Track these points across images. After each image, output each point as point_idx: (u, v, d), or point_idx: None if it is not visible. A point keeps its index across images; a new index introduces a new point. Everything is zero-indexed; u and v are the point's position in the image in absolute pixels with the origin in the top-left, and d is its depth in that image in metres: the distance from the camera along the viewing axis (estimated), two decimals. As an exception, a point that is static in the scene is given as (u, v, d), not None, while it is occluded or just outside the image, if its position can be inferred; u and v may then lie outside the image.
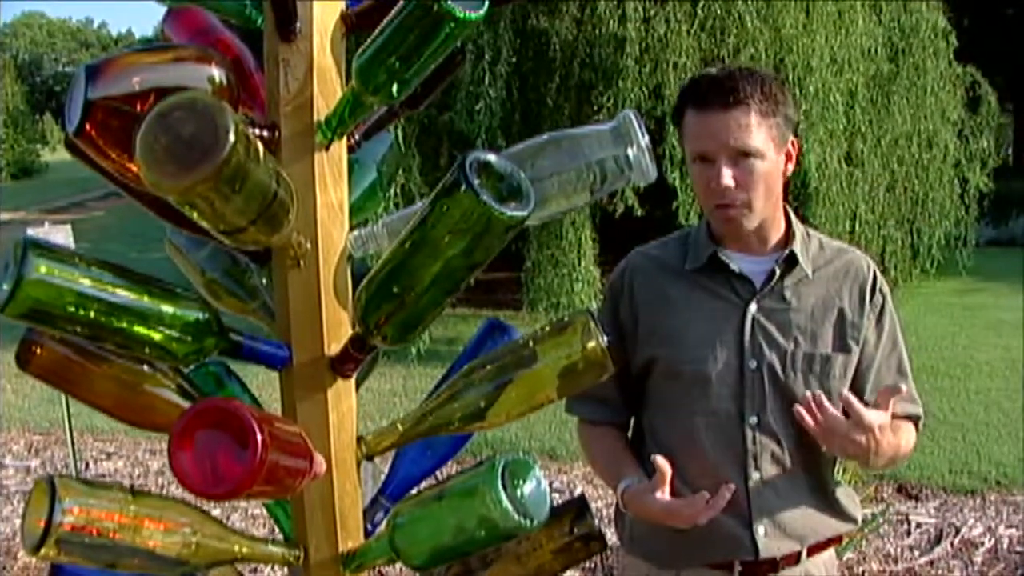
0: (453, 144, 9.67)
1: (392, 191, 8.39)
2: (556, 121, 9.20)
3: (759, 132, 1.84)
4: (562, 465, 6.12)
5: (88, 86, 1.01)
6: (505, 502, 1.01)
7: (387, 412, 7.32)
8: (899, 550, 4.84)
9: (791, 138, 1.93)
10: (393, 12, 0.97)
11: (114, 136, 0.99)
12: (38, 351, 1.16)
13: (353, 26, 1.15)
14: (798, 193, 9.19)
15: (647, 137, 1.15)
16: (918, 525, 5.13)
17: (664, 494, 1.77)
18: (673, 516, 1.78)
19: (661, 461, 1.78)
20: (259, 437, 0.85)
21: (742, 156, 1.83)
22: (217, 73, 1.07)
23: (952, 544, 4.90)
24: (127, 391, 1.22)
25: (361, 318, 1.08)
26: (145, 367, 1.20)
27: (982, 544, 4.90)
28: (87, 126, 1.02)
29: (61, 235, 5.45)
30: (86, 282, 1.00)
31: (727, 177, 1.83)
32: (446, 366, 1.41)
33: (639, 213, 9.00)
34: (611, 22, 8.82)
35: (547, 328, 1.20)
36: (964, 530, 5.04)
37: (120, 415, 1.25)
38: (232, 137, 0.78)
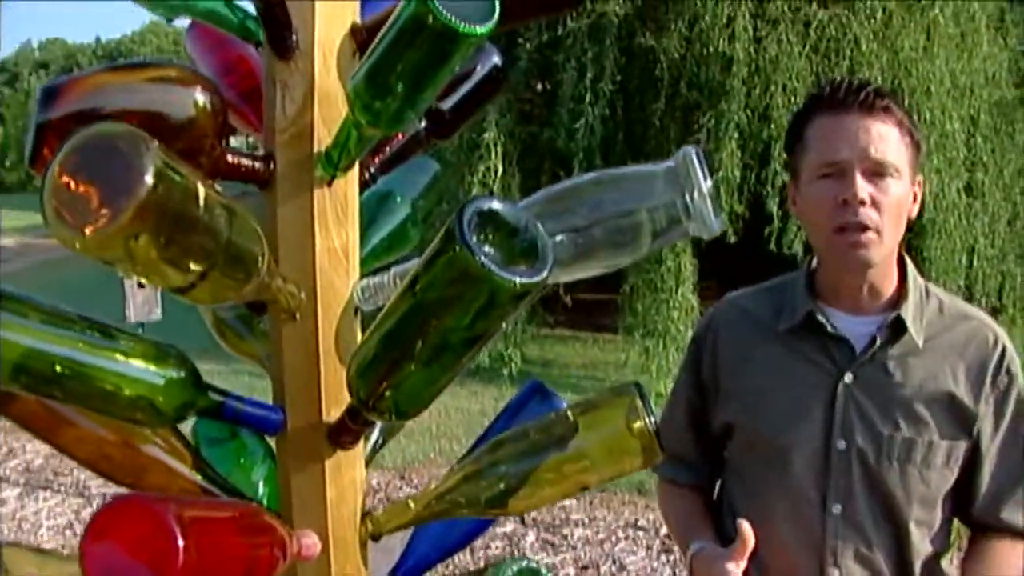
0: (555, 163, 9.51)
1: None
2: (660, 142, 8.97)
3: (899, 148, 1.61)
4: (650, 501, 5.88)
5: (42, 109, 0.87)
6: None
7: (475, 434, 7.17)
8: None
9: (919, 176, 1.69)
10: (385, 27, 0.79)
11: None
12: (16, 396, 1.03)
13: (365, 41, 0.98)
14: (911, 224, 8.78)
15: (710, 180, 0.95)
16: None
17: (738, 567, 1.56)
18: None
19: (745, 527, 1.56)
20: (180, 543, 0.69)
21: (878, 173, 1.58)
22: (202, 97, 0.92)
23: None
24: (111, 448, 1.09)
25: (353, 391, 0.91)
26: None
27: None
28: (45, 152, 0.88)
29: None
30: (42, 336, 0.86)
31: (863, 190, 1.57)
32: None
33: (736, 240, 8.69)
34: (720, 41, 8.54)
35: (587, 403, 1.05)
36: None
37: (107, 473, 1.12)
38: (149, 180, 0.61)
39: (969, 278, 9.78)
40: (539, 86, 9.33)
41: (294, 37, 0.93)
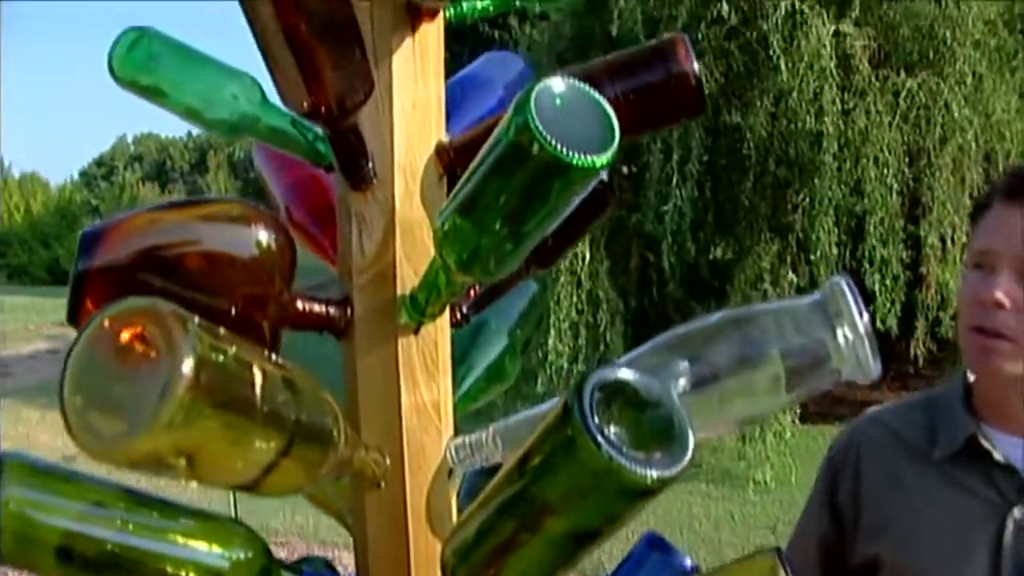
0: (643, 246, 9.35)
1: (576, 298, 8.12)
2: (751, 221, 8.76)
3: None
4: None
5: (82, 256, 0.75)
6: None
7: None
8: None
9: None
10: (479, 154, 0.65)
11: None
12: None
13: (452, 162, 0.85)
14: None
15: (867, 317, 0.80)
16: None
17: None
18: None
19: None
20: None
21: None
22: (265, 236, 0.79)
23: None
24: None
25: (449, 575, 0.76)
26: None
27: None
28: (88, 303, 0.76)
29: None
30: (86, 519, 0.74)
31: (1000, 290, 1.39)
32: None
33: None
34: (807, 117, 8.35)
35: (720, 570, 0.91)
36: None
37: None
38: (188, 371, 0.48)
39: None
40: (625, 169, 9.20)
41: (370, 164, 0.80)
